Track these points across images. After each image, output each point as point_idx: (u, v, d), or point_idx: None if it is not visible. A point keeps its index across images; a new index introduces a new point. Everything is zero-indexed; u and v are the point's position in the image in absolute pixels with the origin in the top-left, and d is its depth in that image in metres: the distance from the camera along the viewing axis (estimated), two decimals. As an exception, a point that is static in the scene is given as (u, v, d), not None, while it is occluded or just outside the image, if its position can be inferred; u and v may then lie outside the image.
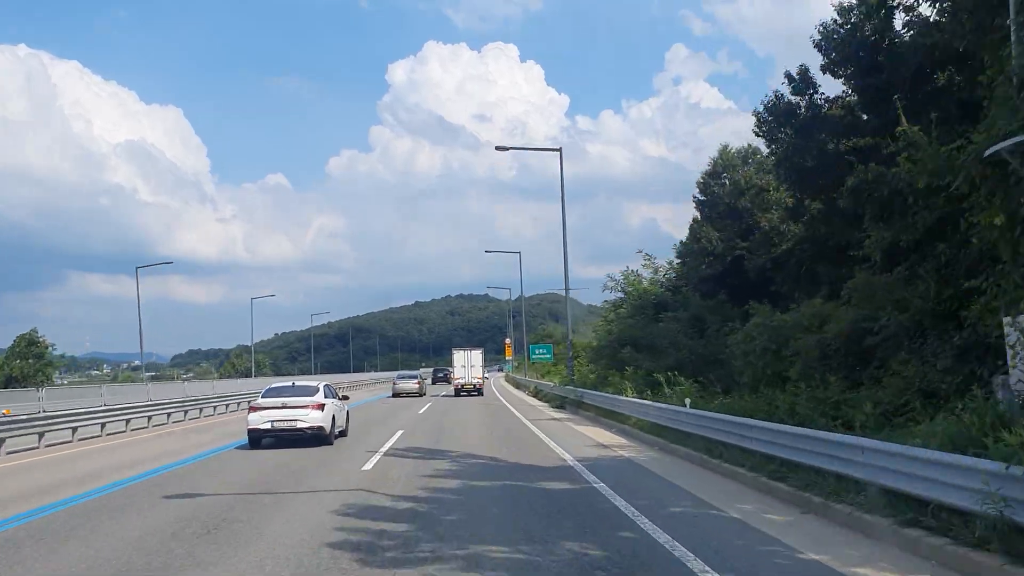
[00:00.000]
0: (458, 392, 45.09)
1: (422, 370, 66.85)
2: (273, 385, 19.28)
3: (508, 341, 78.64)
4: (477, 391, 44.70)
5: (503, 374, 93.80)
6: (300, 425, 16.78)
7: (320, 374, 77.82)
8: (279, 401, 17.19)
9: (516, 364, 77.96)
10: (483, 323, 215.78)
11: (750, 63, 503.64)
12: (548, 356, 52.17)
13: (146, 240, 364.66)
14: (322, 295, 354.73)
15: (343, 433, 18.95)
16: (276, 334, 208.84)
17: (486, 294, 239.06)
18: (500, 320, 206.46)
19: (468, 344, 57.37)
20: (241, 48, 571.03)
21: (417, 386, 45.14)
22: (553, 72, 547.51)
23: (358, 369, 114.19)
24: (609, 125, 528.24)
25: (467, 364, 45.73)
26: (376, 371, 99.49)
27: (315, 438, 16.85)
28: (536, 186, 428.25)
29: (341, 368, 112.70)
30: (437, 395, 45.28)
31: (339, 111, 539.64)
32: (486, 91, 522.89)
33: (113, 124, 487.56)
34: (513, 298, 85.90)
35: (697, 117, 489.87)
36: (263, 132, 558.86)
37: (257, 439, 17.02)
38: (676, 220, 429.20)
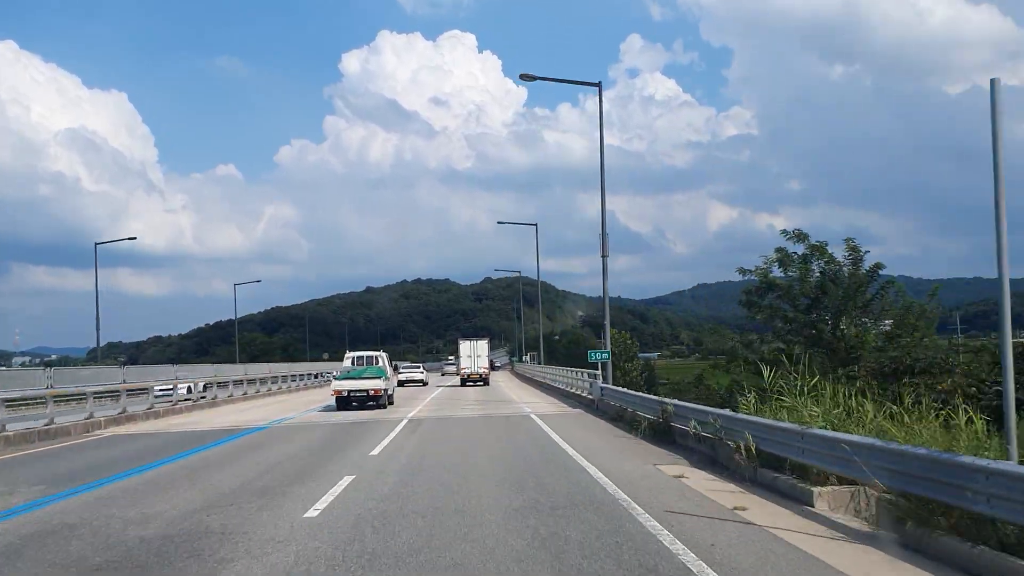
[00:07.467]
0: (464, 382, 47.30)
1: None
2: (404, 364, 51.34)
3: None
4: (483, 381, 47.12)
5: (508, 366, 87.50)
6: (415, 378, 48.40)
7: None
8: (407, 369, 48.99)
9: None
10: (443, 308, 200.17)
11: (706, 54, 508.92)
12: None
13: (90, 231, 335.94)
14: (274, 286, 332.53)
15: (427, 383, 50.10)
16: (207, 324, 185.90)
17: (447, 278, 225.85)
18: (463, 305, 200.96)
19: (476, 335, 58.49)
20: (191, 34, 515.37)
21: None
22: (510, 62, 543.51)
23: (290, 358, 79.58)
24: (566, 116, 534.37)
25: (473, 354, 47.71)
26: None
27: (421, 383, 48.34)
28: (491, 176, 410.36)
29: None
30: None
31: (291, 101, 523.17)
32: (441, 81, 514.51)
33: (53, 110, 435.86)
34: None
35: (652, 107, 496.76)
36: (213, 122, 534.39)
37: (401, 383, 47.20)
38: (632, 212, 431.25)
